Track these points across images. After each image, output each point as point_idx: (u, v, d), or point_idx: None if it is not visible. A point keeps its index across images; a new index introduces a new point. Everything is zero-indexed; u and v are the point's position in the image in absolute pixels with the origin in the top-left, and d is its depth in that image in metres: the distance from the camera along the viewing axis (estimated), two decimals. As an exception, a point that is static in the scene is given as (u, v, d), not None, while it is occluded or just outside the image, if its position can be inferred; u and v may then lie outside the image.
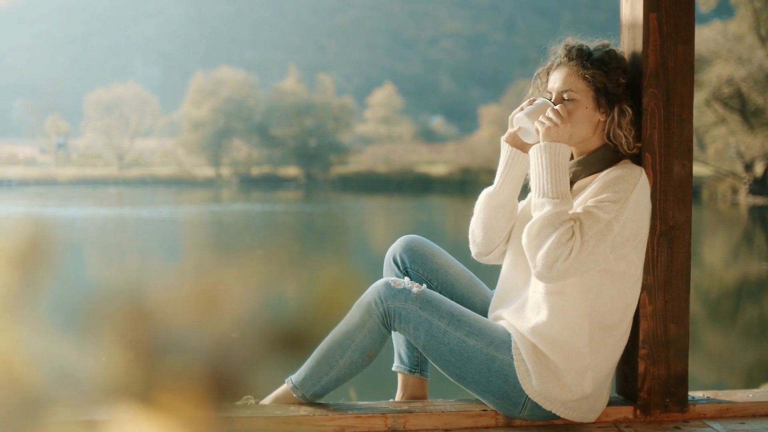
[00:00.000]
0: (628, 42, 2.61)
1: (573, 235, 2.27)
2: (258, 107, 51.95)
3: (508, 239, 2.58)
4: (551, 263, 2.26)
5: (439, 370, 2.50)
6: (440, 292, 2.64)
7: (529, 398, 2.41)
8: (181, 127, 51.60)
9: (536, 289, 2.42)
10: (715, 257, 17.28)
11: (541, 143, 2.36)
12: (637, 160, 2.52)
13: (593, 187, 2.38)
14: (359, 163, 50.12)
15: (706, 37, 28.74)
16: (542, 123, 2.38)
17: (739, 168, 30.56)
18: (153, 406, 0.72)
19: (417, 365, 2.68)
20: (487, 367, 2.41)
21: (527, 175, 2.48)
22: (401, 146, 54.36)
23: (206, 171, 49.04)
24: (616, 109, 2.45)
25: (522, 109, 2.47)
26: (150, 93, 57.13)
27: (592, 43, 2.50)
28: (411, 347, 2.67)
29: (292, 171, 49.37)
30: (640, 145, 2.51)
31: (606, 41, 2.52)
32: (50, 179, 45.33)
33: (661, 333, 2.57)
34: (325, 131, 51.00)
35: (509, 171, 2.52)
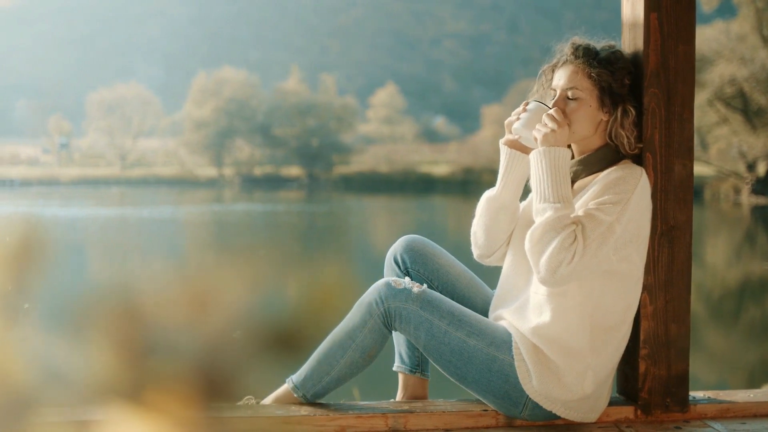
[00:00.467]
0: (629, 42, 2.61)
1: (575, 239, 2.27)
2: (260, 107, 51.98)
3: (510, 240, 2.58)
4: (554, 268, 2.26)
5: (439, 370, 2.50)
6: (441, 292, 2.64)
7: (530, 398, 2.41)
8: (184, 127, 51.64)
9: (537, 290, 2.41)
10: (717, 257, 17.27)
11: (540, 148, 2.36)
12: (638, 160, 2.52)
13: (594, 189, 2.37)
14: (361, 163, 50.14)
15: (708, 36, 28.73)
16: (539, 130, 2.38)
17: (741, 168, 30.54)
18: (145, 406, 0.72)
19: (418, 365, 2.68)
20: (488, 367, 2.41)
21: (528, 176, 2.48)
22: (403, 146, 54.39)
23: (208, 171, 49.08)
24: (619, 110, 2.45)
25: (518, 118, 2.47)
26: (152, 93, 57.18)
27: (599, 44, 2.50)
28: (412, 347, 2.67)
29: (294, 171, 49.40)
30: (641, 145, 2.51)
31: (612, 42, 2.53)
32: (53, 179, 45.37)
33: (661, 333, 2.57)
34: (328, 131, 51.02)
35: (510, 173, 2.52)
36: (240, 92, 51.66)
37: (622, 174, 2.37)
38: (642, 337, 2.56)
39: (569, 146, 2.57)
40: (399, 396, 2.70)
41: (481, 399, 2.50)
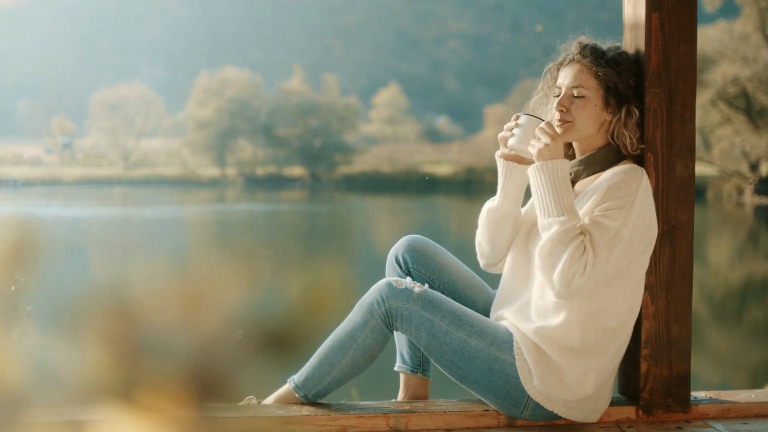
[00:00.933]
0: (630, 42, 2.61)
1: (585, 250, 2.27)
2: (263, 107, 52.02)
3: None
4: (568, 281, 2.26)
5: (440, 370, 2.50)
6: (442, 292, 2.64)
7: (531, 398, 2.41)
8: (186, 127, 51.69)
9: (539, 292, 2.42)
10: (720, 257, 17.26)
11: (537, 164, 2.36)
12: (639, 160, 2.51)
13: (596, 196, 2.36)
14: (364, 163, 50.14)
15: (711, 36, 28.71)
16: (533, 146, 2.38)
17: (744, 168, 30.51)
18: (140, 406, 0.72)
19: (419, 365, 2.68)
20: (489, 367, 2.41)
21: (528, 184, 2.48)
22: (406, 146, 54.40)
23: (211, 171, 49.11)
24: (623, 110, 2.45)
25: (512, 133, 2.46)
26: (155, 93, 57.23)
27: (605, 44, 2.51)
28: (413, 347, 2.66)
29: (296, 171, 49.41)
30: (643, 146, 2.51)
31: (618, 44, 2.54)
32: (55, 179, 45.41)
33: (663, 333, 2.56)
34: (330, 131, 51.04)
35: (509, 184, 2.52)
36: (242, 92, 51.69)
37: (624, 177, 2.37)
38: (643, 337, 2.56)
39: (570, 145, 2.57)
40: (400, 396, 2.70)
41: (482, 399, 2.50)
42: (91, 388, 0.73)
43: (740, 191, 30.38)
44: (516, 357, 2.40)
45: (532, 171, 2.37)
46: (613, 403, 2.58)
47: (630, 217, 2.32)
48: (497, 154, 2.53)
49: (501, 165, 2.53)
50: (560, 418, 2.46)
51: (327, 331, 2.53)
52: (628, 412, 2.58)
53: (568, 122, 2.45)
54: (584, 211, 2.37)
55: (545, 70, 2.56)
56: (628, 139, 2.45)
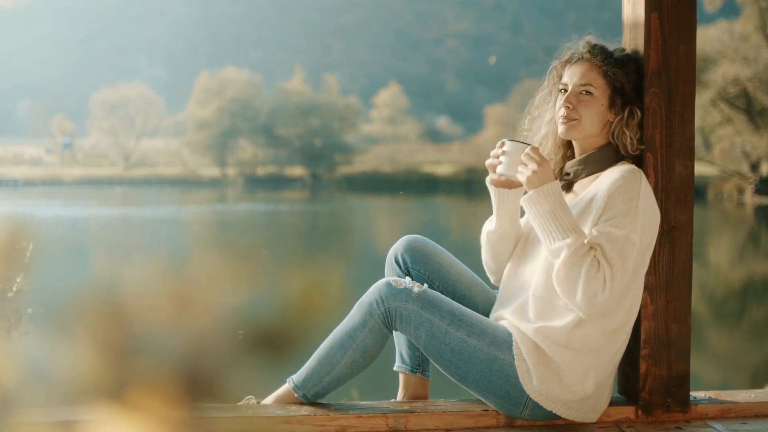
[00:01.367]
0: (630, 42, 2.61)
1: (599, 264, 2.27)
2: (263, 107, 52.02)
3: None
4: (592, 300, 2.26)
5: (440, 370, 2.50)
6: (442, 292, 2.64)
7: (530, 398, 2.41)
8: (187, 127, 51.69)
9: (536, 292, 2.42)
10: (720, 257, 17.25)
11: (529, 193, 2.36)
12: (638, 160, 2.51)
13: (597, 206, 2.35)
14: (364, 163, 50.13)
15: (711, 36, 28.71)
16: (521, 173, 2.38)
17: (744, 168, 30.51)
18: (133, 406, 0.72)
19: (418, 365, 2.68)
20: (488, 366, 2.41)
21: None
22: (406, 146, 54.37)
23: (211, 171, 49.10)
24: (626, 110, 2.46)
25: (500, 161, 2.44)
26: (155, 93, 57.24)
27: (611, 46, 2.52)
28: (412, 347, 2.66)
29: (297, 171, 49.41)
30: (643, 147, 2.51)
31: (622, 46, 2.55)
32: (56, 179, 45.41)
33: (662, 333, 2.56)
34: (331, 131, 51.04)
35: (503, 208, 2.54)
36: (243, 92, 51.70)
37: (623, 183, 2.35)
38: (643, 337, 2.56)
39: (569, 144, 2.57)
40: (400, 396, 2.70)
41: (481, 399, 2.50)
42: (86, 388, 0.73)
43: (741, 191, 30.38)
44: (515, 357, 2.40)
45: (525, 203, 2.37)
46: (613, 403, 2.58)
47: (637, 221, 2.32)
48: (487, 180, 2.54)
49: (492, 191, 2.54)
50: (559, 418, 2.46)
51: (326, 331, 2.53)
52: (628, 412, 2.58)
53: (574, 120, 2.45)
54: (589, 222, 2.36)
55: (551, 66, 2.57)
56: (628, 139, 2.46)
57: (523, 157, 2.38)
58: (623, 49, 2.54)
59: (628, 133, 2.46)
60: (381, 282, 2.49)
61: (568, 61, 2.51)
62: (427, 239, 2.73)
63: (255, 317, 0.80)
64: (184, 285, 0.78)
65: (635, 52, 2.57)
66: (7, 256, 0.74)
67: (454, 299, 2.60)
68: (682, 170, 2.55)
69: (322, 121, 51.52)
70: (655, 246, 2.51)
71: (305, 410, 2.49)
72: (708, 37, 28.23)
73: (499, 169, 2.45)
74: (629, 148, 2.46)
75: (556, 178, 2.44)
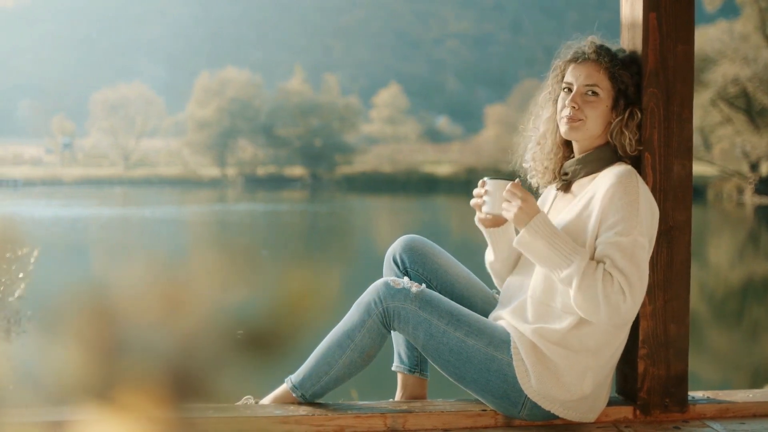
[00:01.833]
0: (628, 41, 2.61)
1: (612, 277, 2.27)
2: (263, 107, 52.03)
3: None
4: (617, 313, 2.27)
5: (438, 369, 2.50)
6: (440, 292, 2.64)
7: (528, 398, 2.40)
8: (187, 127, 51.69)
9: (534, 294, 2.42)
10: (720, 257, 17.25)
11: (521, 234, 2.36)
12: (636, 160, 2.51)
13: (596, 214, 2.35)
14: (364, 163, 50.13)
15: (711, 36, 28.70)
16: (507, 210, 2.38)
17: (744, 168, 30.51)
18: (122, 406, 0.72)
19: (417, 365, 2.68)
20: (486, 366, 2.41)
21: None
22: (406, 146, 54.36)
23: (211, 171, 49.11)
24: (627, 111, 2.46)
25: (484, 201, 2.45)
26: (155, 93, 57.24)
27: (613, 46, 2.52)
28: (410, 347, 2.66)
29: (297, 171, 49.41)
30: (641, 148, 2.51)
31: (623, 48, 2.55)
32: (56, 179, 45.42)
33: (660, 333, 2.56)
34: (331, 131, 51.05)
35: (497, 243, 2.58)
36: (243, 92, 51.70)
37: (620, 188, 2.34)
38: (641, 337, 2.55)
39: (569, 144, 2.57)
40: (398, 396, 2.70)
41: (479, 399, 2.49)
42: (80, 388, 0.73)
43: (740, 191, 30.38)
44: (513, 357, 2.40)
45: (519, 243, 2.37)
46: (611, 402, 2.58)
47: (641, 223, 2.32)
48: (476, 220, 2.56)
49: (484, 231, 2.58)
50: (558, 417, 2.45)
51: (325, 331, 2.53)
52: (626, 412, 2.58)
53: (579, 120, 2.45)
54: (590, 227, 2.36)
55: (554, 65, 2.56)
56: (627, 140, 2.46)
57: (506, 193, 2.39)
58: (624, 50, 2.54)
59: (627, 133, 2.45)
60: (379, 282, 2.49)
61: (573, 60, 2.51)
62: (425, 239, 2.73)
63: (254, 317, 0.80)
64: (183, 285, 0.78)
65: (634, 52, 2.57)
66: (8, 261, 0.74)
67: (452, 299, 2.60)
68: (680, 170, 2.55)
69: (322, 121, 51.52)
70: (654, 246, 2.51)
71: (303, 410, 2.48)
72: (708, 37, 28.23)
73: (485, 208, 2.46)
74: (627, 149, 2.46)
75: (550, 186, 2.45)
